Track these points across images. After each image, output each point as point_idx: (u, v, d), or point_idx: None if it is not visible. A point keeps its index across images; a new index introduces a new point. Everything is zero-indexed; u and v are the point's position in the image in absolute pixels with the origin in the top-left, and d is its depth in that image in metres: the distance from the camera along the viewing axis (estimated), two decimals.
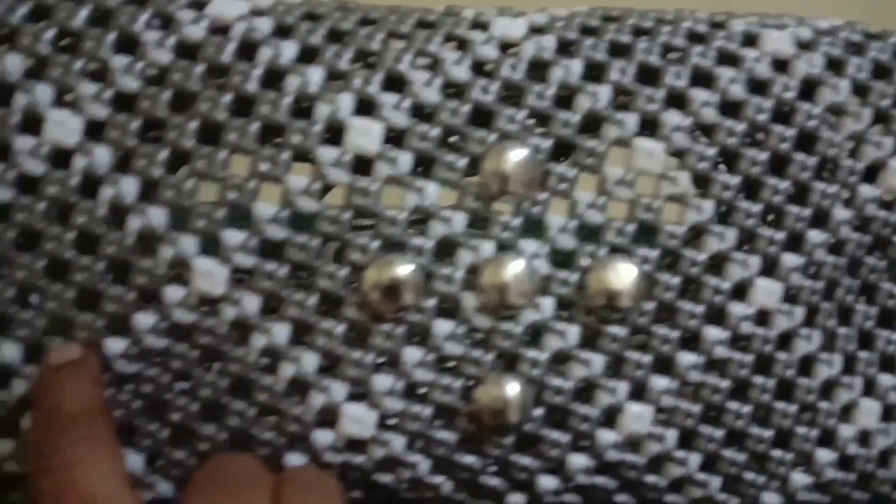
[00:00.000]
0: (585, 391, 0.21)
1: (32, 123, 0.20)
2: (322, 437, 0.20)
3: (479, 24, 0.21)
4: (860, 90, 0.22)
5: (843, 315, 0.23)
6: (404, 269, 0.20)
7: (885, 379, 0.23)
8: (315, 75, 0.20)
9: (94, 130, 0.20)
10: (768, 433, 0.22)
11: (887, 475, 0.23)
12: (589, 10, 0.22)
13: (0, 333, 0.20)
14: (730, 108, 0.21)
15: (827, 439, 0.22)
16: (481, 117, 0.21)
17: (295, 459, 0.20)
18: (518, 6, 0.22)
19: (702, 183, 0.21)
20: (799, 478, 0.22)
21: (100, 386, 0.19)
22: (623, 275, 0.21)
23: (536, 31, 0.21)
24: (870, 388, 0.23)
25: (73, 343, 0.20)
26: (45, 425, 0.18)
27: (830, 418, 0.22)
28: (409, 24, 0.21)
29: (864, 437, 0.22)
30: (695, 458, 0.22)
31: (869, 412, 0.23)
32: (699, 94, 0.21)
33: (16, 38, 0.20)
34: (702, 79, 0.21)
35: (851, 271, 0.23)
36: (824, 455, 0.22)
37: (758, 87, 0.22)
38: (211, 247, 0.20)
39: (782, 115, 0.22)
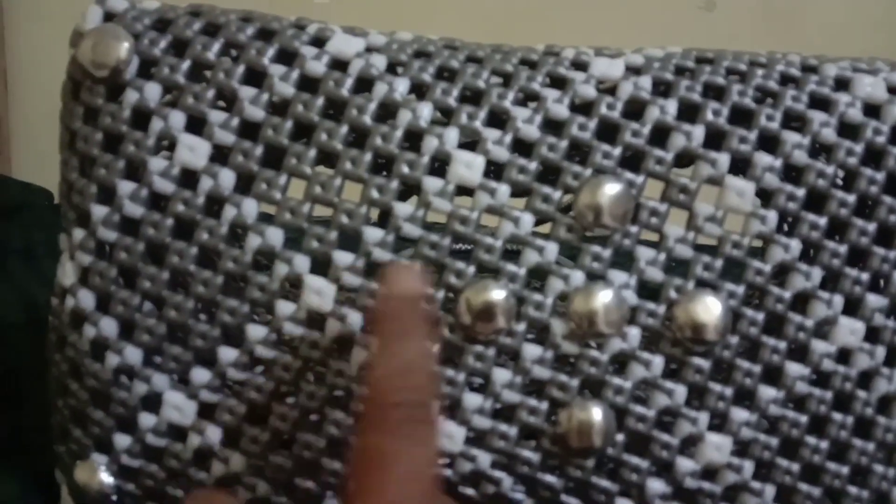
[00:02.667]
0: (667, 419, 0.22)
1: (166, 147, 0.22)
2: None
3: (579, 64, 0.22)
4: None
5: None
6: (498, 294, 0.21)
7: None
8: (425, 110, 0.21)
9: (221, 155, 0.21)
10: (845, 469, 0.22)
11: None
12: (684, 51, 0.23)
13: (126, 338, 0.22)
14: (820, 151, 0.22)
15: None
16: (578, 153, 0.22)
17: None
18: (614, 43, 0.23)
19: (789, 222, 0.22)
20: None
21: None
22: (709, 308, 0.21)
23: (634, 71, 0.22)
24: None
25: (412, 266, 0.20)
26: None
27: None
28: (512, 62, 0.22)
29: None
30: (770, 490, 0.22)
31: None
32: (791, 137, 0.22)
33: (156, 69, 0.22)
34: (794, 121, 0.22)
35: None
36: None
37: (849, 130, 0.22)
38: (322, 267, 0.21)
39: (873, 158, 0.22)
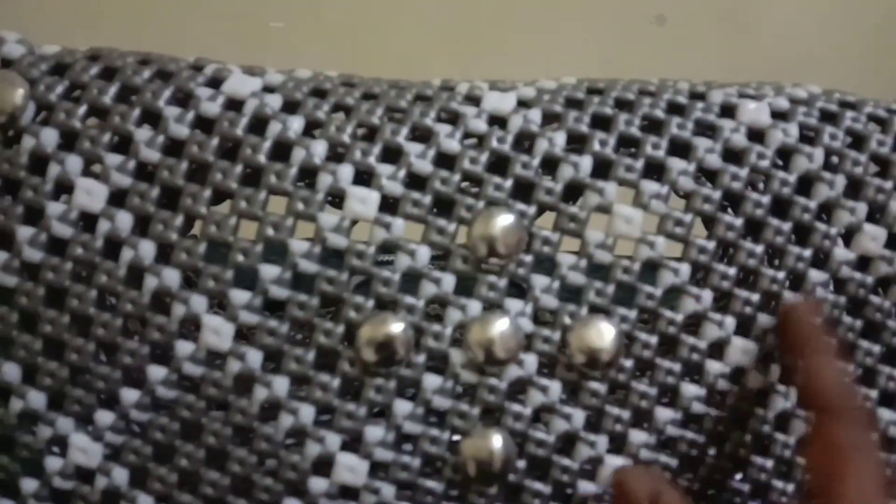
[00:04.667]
0: (567, 444, 0.22)
1: (63, 191, 0.22)
2: (317, 484, 0.21)
3: (472, 98, 0.23)
4: (834, 158, 0.23)
5: None
6: (396, 327, 0.21)
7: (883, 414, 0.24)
8: (318, 147, 0.22)
9: (118, 197, 0.22)
10: (746, 486, 0.23)
11: None
12: (576, 82, 0.24)
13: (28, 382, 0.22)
14: (706, 176, 0.23)
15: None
16: (472, 185, 0.22)
17: None
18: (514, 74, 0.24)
19: (679, 246, 0.22)
20: None
21: None
22: (602, 333, 0.22)
23: (524, 104, 0.23)
24: None
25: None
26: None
27: None
28: (407, 98, 0.23)
29: None
30: None
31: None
32: (676, 164, 0.22)
33: (52, 114, 0.22)
34: (679, 148, 0.23)
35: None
36: None
37: (734, 156, 0.23)
38: (219, 306, 0.21)
39: (757, 182, 0.23)
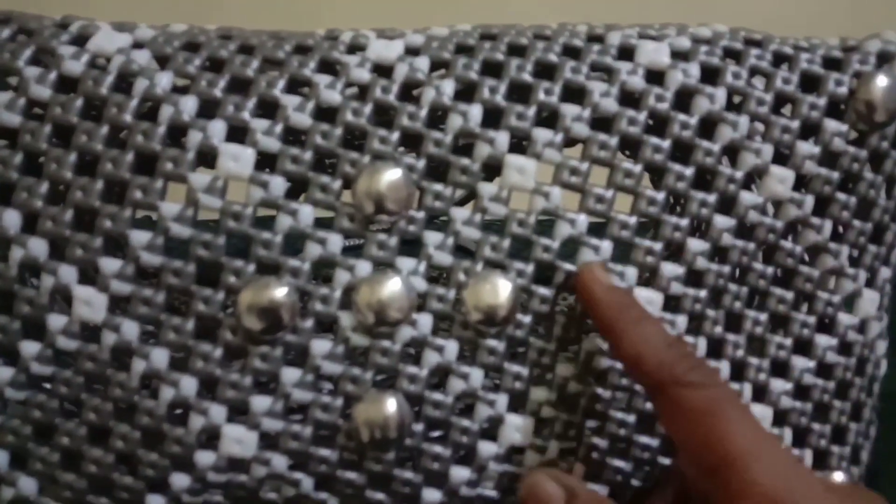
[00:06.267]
0: (465, 404, 0.21)
1: None
2: (204, 457, 0.21)
3: (355, 47, 0.22)
4: (737, 97, 0.22)
5: (730, 322, 0.23)
6: (279, 291, 0.20)
7: (776, 384, 0.23)
8: (188, 103, 0.20)
9: None
10: (655, 442, 0.22)
11: None
12: (471, 28, 0.23)
13: None
14: (602, 123, 0.22)
15: None
16: (355, 139, 0.21)
17: (179, 480, 0.21)
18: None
19: (576, 198, 0.22)
20: None
21: None
22: (498, 289, 0.21)
23: (412, 51, 0.22)
24: (761, 395, 0.23)
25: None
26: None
27: None
28: (285, 49, 0.21)
29: None
30: (579, 467, 0.22)
31: (761, 417, 0.23)
32: (570, 110, 0.21)
33: None
34: (574, 93, 0.22)
35: (739, 279, 0.23)
36: None
37: (631, 99, 0.22)
38: (89, 276, 0.20)
39: (656, 126, 0.22)
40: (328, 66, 0.21)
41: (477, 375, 0.21)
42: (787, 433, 0.23)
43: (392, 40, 0.22)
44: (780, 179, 0.22)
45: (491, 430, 0.21)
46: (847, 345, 0.24)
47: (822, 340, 0.23)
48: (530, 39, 0.22)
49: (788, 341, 0.23)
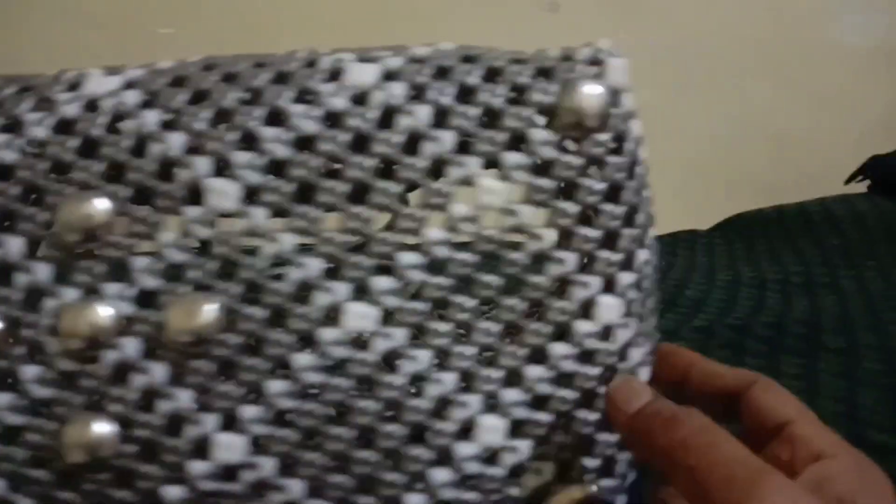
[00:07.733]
0: (174, 424, 0.22)
1: None
2: None
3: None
4: (441, 114, 0.23)
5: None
6: None
7: (509, 394, 0.23)
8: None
9: None
10: (374, 456, 0.22)
11: None
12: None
13: None
14: (304, 143, 0.22)
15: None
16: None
17: None
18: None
19: (278, 215, 0.22)
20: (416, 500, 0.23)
21: None
22: (202, 311, 0.22)
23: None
24: (493, 408, 0.23)
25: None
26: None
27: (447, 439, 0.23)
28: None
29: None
30: (297, 485, 0.22)
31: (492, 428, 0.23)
32: (269, 133, 0.22)
33: None
34: (275, 118, 0.22)
35: (462, 289, 0.23)
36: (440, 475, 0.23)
37: (335, 119, 0.22)
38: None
39: (361, 144, 0.22)
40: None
41: (186, 396, 0.22)
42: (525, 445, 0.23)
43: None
44: (489, 190, 0.23)
45: (198, 450, 0.22)
46: (587, 353, 0.24)
47: (558, 349, 0.23)
48: (253, 67, 0.23)
49: (522, 351, 0.23)
